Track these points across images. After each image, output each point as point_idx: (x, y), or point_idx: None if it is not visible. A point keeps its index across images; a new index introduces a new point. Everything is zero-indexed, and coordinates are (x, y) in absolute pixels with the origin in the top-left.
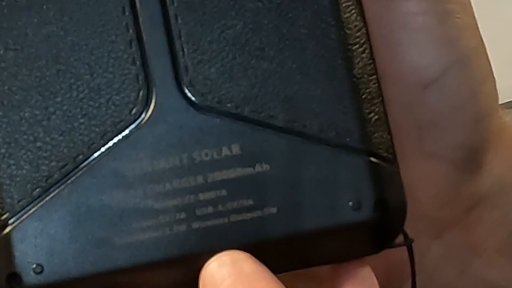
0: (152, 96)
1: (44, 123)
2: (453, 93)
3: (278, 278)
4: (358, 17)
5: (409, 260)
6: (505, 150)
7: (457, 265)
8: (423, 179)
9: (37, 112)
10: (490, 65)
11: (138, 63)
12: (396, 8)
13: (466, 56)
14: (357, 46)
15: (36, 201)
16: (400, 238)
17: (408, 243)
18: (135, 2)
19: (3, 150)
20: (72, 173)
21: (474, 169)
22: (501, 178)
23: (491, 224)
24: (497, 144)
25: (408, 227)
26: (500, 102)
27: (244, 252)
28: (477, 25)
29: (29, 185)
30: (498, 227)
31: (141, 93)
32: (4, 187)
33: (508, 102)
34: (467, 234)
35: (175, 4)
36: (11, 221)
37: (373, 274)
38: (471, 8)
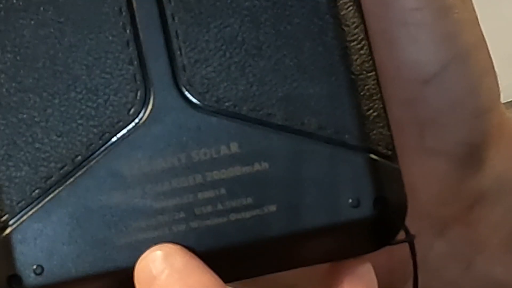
0: (150, 96)
1: (42, 124)
2: (453, 88)
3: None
4: (356, 14)
5: (411, 256)
6: (507, 146)
7: (461, 262)
8: (424, 176)
9: (35, 114)
10: (491, 60)
11: (135, 63)
12: (395, 4)
13: (466, 52)
14: (355, 43)
15: (36, 202)
16: (401, 235)
17: (410, 239)
18: (131, 2)
19: (2, 152)
20: (71, 174)
21: (476, 165)
22: (503, 174)
23: (494, 220)
24: (498, 140)
25: (410, 224)
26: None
27: (176, 246)
28: (477, 20)
29: (28, 187)
30: (501, 223)
31: (139, 93)
32: (4, 188)
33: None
34: (470, 231)
35: (172, 4)
36: (11, 222)
37: (372, 271)
38: (471, 3)
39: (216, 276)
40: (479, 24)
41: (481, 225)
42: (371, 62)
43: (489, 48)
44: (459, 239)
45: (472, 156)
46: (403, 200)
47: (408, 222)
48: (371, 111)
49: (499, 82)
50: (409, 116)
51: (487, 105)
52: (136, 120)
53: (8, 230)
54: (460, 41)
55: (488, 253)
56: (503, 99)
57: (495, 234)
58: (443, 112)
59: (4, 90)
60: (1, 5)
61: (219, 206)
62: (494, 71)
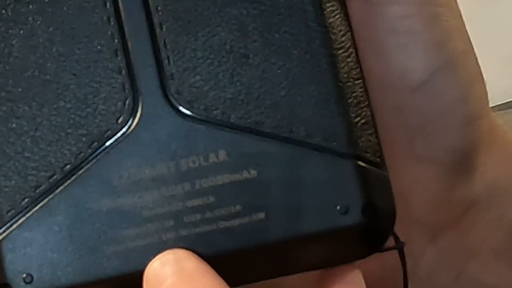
0: (138, 104)
1: (32, 133)
2: (441, 96)
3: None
4: (343, 22)
5: (401, 263)
6: (497, 153)
7: (453, 269)
8: (415, 183)
9: (24, 123)
10: (479, 68)
11: (124, 72)
12: (383, 12)
13: (454, 59)
14: (342, 50)
15: (25, 211)
16: (392, 242)
17: (399, 246)
18: (120, 12)
19: None
20: (60, 183)
21: (466, 172)
22: (494, 181)
23: (486, 227)
24: (489, 147)
25: (401, 231)
26: (500, 102)
27: (187, 251)
28: (465, 28)
29: (17, 196)
30: (493, 230)
31: (127, 102)
32: None
33: (508, 102)
34: (461, 238)
35: (160, 13)
36: (0, 231)
37: (361, 277)
38: (459, 11)
39: (224, 282)
40: (467, 32)
41: (473, 232)
42: (358, 69)
43: (489, 48)
44: (451, 246)
45: (463, 163)
46: (392, 207)
47: (399, 229)
48: (358, 118)
49: (499, 82)
50: (399, 123)
51: (477, 112)
52: (125, 129)
53: None
54: (449, 49)
55: (480, 260)
56: (503, 99)
57: (487, 241)
58: (432, 119)
59: None
60: None
61: (208, 214)
62: (483, 79)
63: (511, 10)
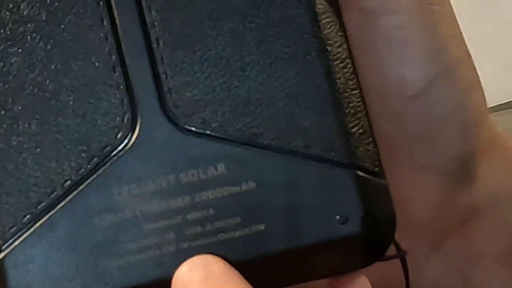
0: (137, 119)
1: (32, 150)
2: (440, 104)
3: None
4: (339, 33)
5: (403, 272)
6: (498, 160)
7: (457, 276)
8: (416, 191)
9: (25, 140)
10: (477, 75)
11: (122, 87)
12: (379, 23)
13: (451, 67)
14: (338, 61)
15: (27, 228)
16: (394, 251)
17: (401, 255)
18: (117, 28)
19: None
20: (61, 199)
21: (467, 179)
22: (495, 188)
23: (489, 235)
24: (489, 154)
25: (404, 240)
26: (500, 102)
27: (216, 256)
28: (462, 36)
29: (19, 212)
30: (496, 238)
31: (126, 117)
32: None
33: (508, 102)
34: (465, 245)
35: (156, 29)
36: (3, 248)
37: (368, 283)
38: (455, 19)
39: (251, 287)
40: (464, 40)
41: (476, 240)
42: (355, 80)
43: (489, 48)
44: (454, 254)
45: (463, 170)
46: (392, 215)
47: (402, 238)
48: (356, 128)
49: (499, 82)
50: (398, 132)
51: (476, 120)
52: (124, 144)
53: (0, 256)
54: (446, 57)
55: (484, 268)
56: (503, 99)
57: (490, 248)
58: (431, 127)
59: None
60: None
61: (208, 226)
62: (481, 86)
63: (511, 10)
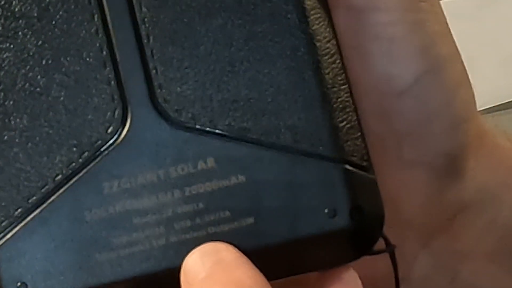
0: (127, 114)
1: (23, 145)
2: (427, 100)
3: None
4: (328, 29)
5: (392, 266)
6: (486, 156)
7: (446, 273)
8: (404, 187)
9: (16, 135)
10: (465, 72)
11: (112, 83)
12: (367, 19)
13: (439, 64)
14: (327, 57)
15: (19, 221)
16: (383, 246)
17: (390, 249)
18: (107, 24)
19: None
20: (52, 193)
21: (456, 175)
22: (484, 185)
23: (478, 231)
24: (477, 151)
25: (393, 236)
26: (500, 102)
27: (225, 243)
28: (450, 33)
29: (11, 206)
30: (485, 234)
31: (116, 112)
32: None
33: (509, 102)
34: (454, 242)
35: (147, 24)
36: None
37: (357, 277)
38: (444, 16)
39: (262, 274)
40: (452, 37)
41: (465, 236)
42: (343, 75)
43: (489, 48)
44: (443, 250)
45: (452, 166)
46: (380, 210)
47: (391, 233)
48: (344, 123)
49: (498, 82)
50: (386, 128)
51: (464, 116)
52: (115, 138)
53: None
54: (433, 54)
55: (473, 264)
56: (503, 99)
57: (479, 244)
58: (419, 124)
59: None
60: None
61: (198, 220)
62: (469, 83)
63: (511, 10)
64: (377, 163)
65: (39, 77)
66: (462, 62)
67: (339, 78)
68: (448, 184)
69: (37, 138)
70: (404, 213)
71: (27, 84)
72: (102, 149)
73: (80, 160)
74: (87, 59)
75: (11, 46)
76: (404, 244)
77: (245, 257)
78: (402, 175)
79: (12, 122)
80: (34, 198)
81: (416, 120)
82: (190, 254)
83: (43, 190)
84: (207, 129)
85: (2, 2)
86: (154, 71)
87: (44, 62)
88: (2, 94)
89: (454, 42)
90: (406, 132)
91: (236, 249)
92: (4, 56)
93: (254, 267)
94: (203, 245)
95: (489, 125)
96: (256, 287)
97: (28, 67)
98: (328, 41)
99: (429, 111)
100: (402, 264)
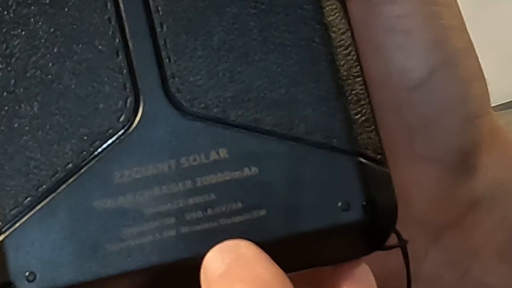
0: (139, 103)
1: (34, 133)
2: (441, 95)
3: None
4: (343, 20)
5: (404, 261)
6: (499, 152)
7: (456, 270)
8: (416, 183)
9: (27, 123)
10: (479, 66)
11: (125, 71)
12: (382, 12)
13: (453, 58)
14: (342, 48)
15: (28, 210)
16: (394, 241)
17: (402, 244)
18: (120, 12)
19: None
20: (62, 182)
21: (468, 171)
22: (496, 181)
23: (489, 228)
24: (490, 146)
25: (404, 231)
26: (500, 102)
27: (246, 240)
28: (465, 26)
29: (20, 195)
30: (496, 231)
31: (128, 100)
32: None
33: (509, 102)
34: (464, 238)
35: (160, 13)
36: (3, 230)
37: (370, 272)
38: (458, 9)
39: (282, 271)
40: (467, 30)
41: (476, 232)
42: (358, 67)
43: (489, 48)
44: (454, 246)
45: (464, 162)
46: (393, 203)
47: (402, 229)
48: (359, 115)
49: (499, 82)
50: (399, 122)
51: (477, 111)
52: (126, 127)
53: (1, 238)
54: (448, 48)
55: (483, 261)
56: (503, 99)
57: (490, 241)
58: (432, 118)
59: None
60: None
61: (209, 211)
62: (483, 77)
63: (511, 10)
64: (388, 157)
65: (50, 64)
66: (476, 56)
67: (354, 70)
68: (460, 180)
69: (48, 126)
70: (415, 209)
71: (38, 71)
72: (113, 138)
73: (91, 149)
74: (100, 47)
75: (23, 32)
76: (415, 240)
77: (265, 253)
78: (413, 170)
79: (23, 110)
80: (44, 186)
81: (428, 114)
82: (210, 250)
83: (53, 179)
84: (220, 119)
85: None
86: (167, 60)
87: (55, 49)
88: (13, 81)
89: (468, 36)
90: (418, 127)
91: (256, 245)
92: (16, 42)
93: (273, 263)
94: (223, 242)
95: (501, 122)
96: (276, 282)
97: (39, 54)
98: (343, 33)
99: (443, 105)
100: (412, 260)
